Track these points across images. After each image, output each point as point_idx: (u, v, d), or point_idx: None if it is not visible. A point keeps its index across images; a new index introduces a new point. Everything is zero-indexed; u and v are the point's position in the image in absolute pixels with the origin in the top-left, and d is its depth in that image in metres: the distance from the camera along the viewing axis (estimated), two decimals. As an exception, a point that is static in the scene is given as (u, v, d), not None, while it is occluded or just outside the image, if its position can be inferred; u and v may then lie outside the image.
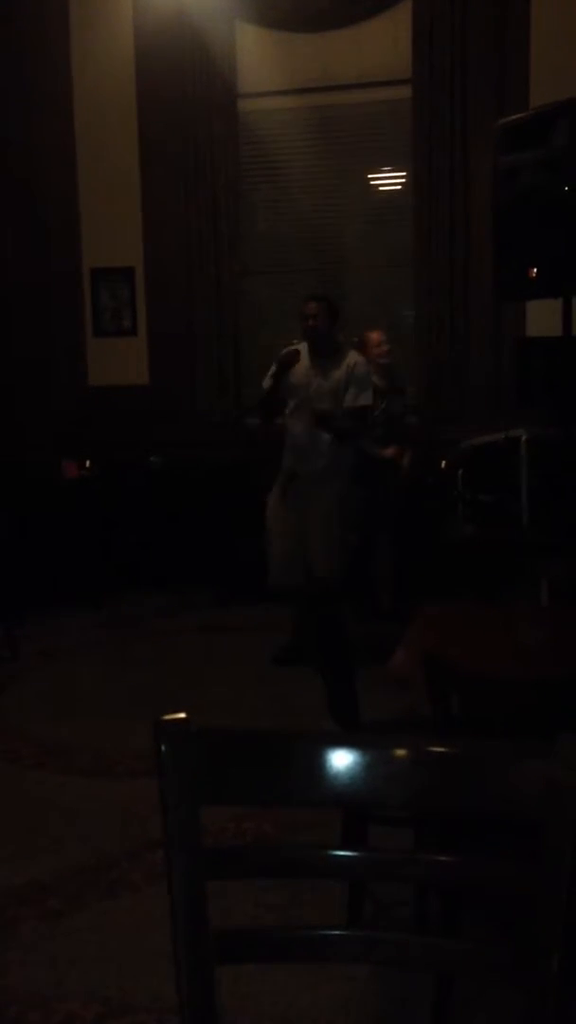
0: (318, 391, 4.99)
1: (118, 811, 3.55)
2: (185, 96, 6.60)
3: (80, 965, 2.69)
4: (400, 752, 1.21)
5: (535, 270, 4.29)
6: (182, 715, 1.22)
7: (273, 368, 5.04)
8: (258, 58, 6.59)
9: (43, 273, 6.92)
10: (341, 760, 1.21)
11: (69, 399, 6.92)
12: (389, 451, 5.70)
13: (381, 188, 6.84)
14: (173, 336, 6.84)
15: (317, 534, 4.99)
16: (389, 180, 6.77)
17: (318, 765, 1.21)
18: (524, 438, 5.03)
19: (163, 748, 1.21)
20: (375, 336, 5.74)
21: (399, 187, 6.67)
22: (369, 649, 3.74)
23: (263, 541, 5.13)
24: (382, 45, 6.40)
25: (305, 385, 5.00)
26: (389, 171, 6.75)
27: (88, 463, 6.60)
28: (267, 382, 5.10)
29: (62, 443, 6.63)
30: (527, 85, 6.03)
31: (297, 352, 5.02)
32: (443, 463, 5.84)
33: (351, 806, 2.28)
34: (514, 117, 4.56)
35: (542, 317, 5.44)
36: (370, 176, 6.78)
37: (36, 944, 2.79)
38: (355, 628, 5.32)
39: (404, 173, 6.57)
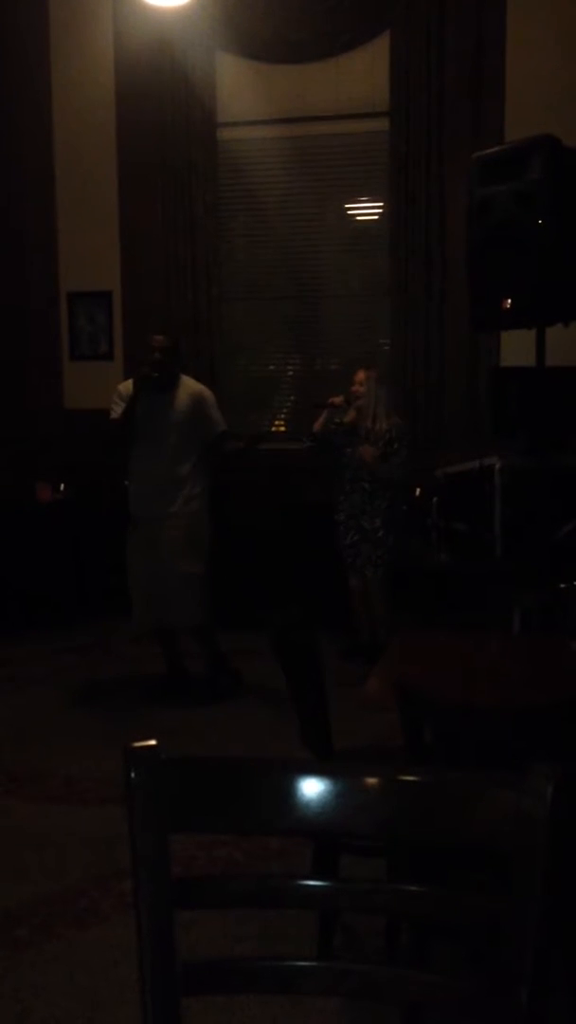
0: (174, 422, 4.87)
1: (87, 839, 3.51)
2: (165, 124, 6.65)
3: (46, 996, 2.65)
4: (371, 781, 1.21)
5: (509, 301, 4.34)
6: (152, 742, 1.21)
7: (131, 392, 4.82)
8: (238, 88, 6.66)
9: (20, 296, 6.93)
10: (312, 788, 1.20)
11: (45, 422, 6.91)
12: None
13: (358, 218, 6.90)
14: (150, 361, 6.84)
15: (171, 573, 4.88)
16: (366, 210, 6.83)
17: (289, 793, 1.21)
18: (498, 467, 5.07)
19: (133, 775, 1.20)
20: (358, 375, 5.53)
21: (376, 217, 6.73)
22: (343, 677, 3.73)
23: (127, 582, 5.01)
24: (360, 78, 6.48)
25: (153, 415, 4.84)
26: (366, 201, 6.81)
27: (63, 486, 6.58)
28: (120, 409, 4.85)
29: (37, 466, 6.60)
30: (502, 120, 6.12)
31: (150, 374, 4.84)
32: (418, 491, 5.86)
33: (322, 835, 2.26)
34: (489, 151, 4.62)
35: (516, 347, 5.50)
36: (347, 206, 6.85)
37: (2, 974, 2.75)
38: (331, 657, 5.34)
39: (381, 204, 6.64)
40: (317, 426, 5.64)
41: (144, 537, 4.92)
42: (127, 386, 4.95)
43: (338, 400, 5.57)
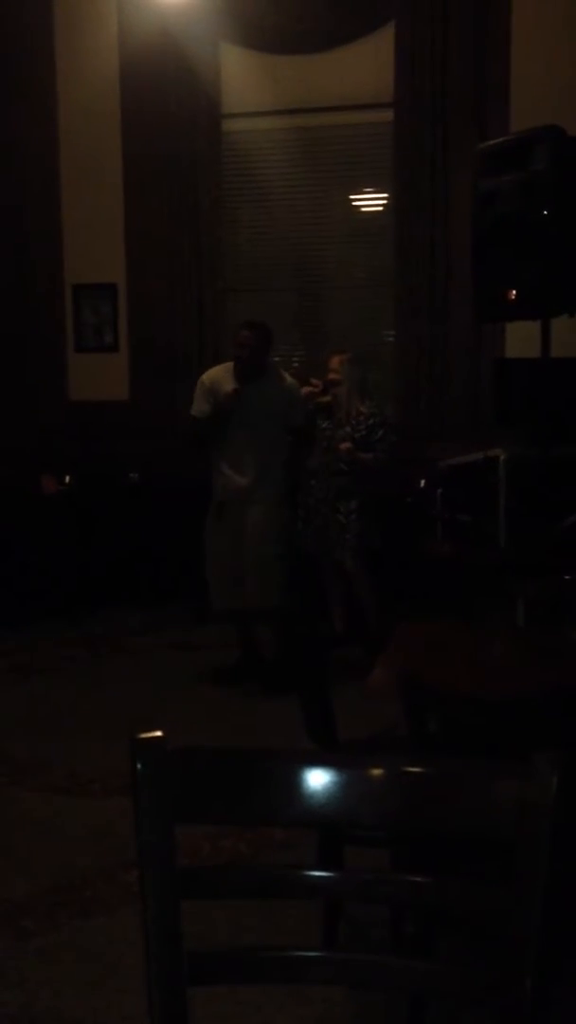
0: (264, 411, 4.98)
1: (92, 830, 3.52)
2: (169, 115, 6.64)
3: (52, 986, 2.66)
4: (375, 771, 1.21)
5: (514, 292, 4.33)
6: (158, 733, 1.22)
7: (220, 394, 4.96)
8: (242, 79, 6.63)
9: (25, 289, 6.92)
10: (317, 779, 1.21)
11: (50, 414, 6.91)
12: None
13: (363, 209, 6.88)
14: (154, 353, 6.85)
15: (253, 555, 4.99)
16: (370, 201, 6.82)
17: (294, 784, 1.21)
18: (502, 458, 5.07)
19: (138, 766, 1.21)
20: (332, 361, 5.41)
21: (380, 208, 6.72)
22: (347, 668, 3.74)
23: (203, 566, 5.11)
24: (364, 69, 6.45)
25: (243, 405, 4.93)
26: (371, 192, 6.79)
27: (67, 478, 6.58)
28: (208, 407, 5.03)
29: (42, 458, 6.61)
30: (507, 110, 6.10)
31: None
32: (422, 482, 5.86)
33: (327, 826, 2.27)
34: (494, 142, 4.62)
35: (521, 338, 5.48)
36: (352, 197, 6.83)
37: (7, 965, 2.76)
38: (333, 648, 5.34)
39: (385, 195, 6.62)
40: None
41: (229, 521, 5.02)
42: (212, 378, 5.08)
43: (316, 386, 5.39)
